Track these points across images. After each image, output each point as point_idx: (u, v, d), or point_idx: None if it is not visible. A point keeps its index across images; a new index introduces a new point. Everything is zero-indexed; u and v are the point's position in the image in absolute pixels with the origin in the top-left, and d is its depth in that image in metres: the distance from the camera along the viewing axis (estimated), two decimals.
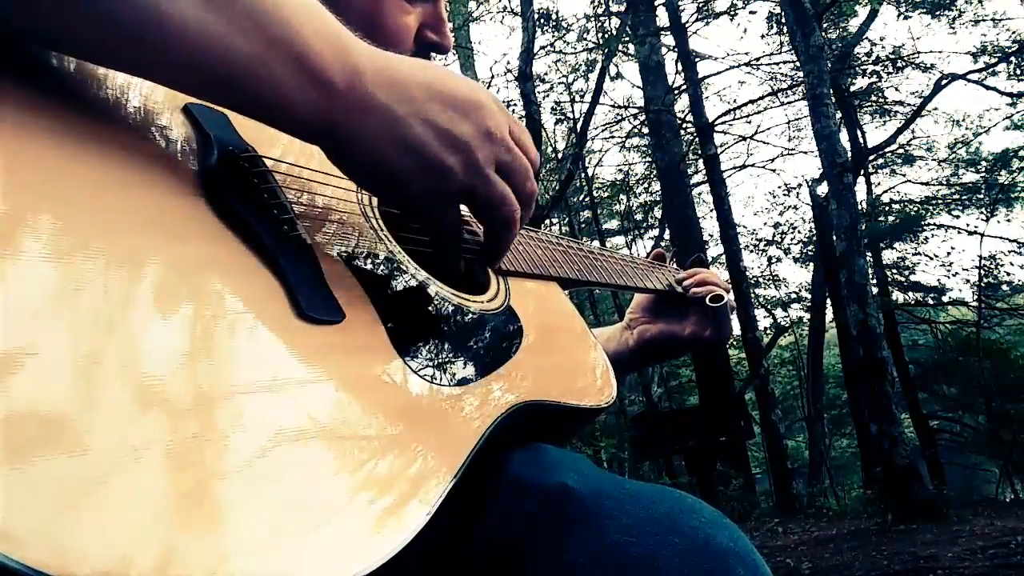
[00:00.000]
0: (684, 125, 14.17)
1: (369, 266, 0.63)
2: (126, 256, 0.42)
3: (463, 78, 0.61)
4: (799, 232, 17.23)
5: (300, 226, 0.57)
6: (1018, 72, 13.37)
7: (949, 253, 22.82)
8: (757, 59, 15.17)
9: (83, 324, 0.38)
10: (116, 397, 0.37)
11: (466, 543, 0.59)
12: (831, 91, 8.93)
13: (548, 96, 14.84)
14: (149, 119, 0.52)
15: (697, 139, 12.88)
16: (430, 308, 0.66)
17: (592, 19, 13.24)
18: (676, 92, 13.70)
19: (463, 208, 0.64)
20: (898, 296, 15.90)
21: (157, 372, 0.39)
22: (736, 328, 13.62)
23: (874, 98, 15.57)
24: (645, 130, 15.48)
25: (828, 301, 14.47)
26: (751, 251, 17.69)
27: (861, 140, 14.92)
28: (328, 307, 0.54)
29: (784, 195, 17.71)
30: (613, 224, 19.92)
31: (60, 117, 0.45)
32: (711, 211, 15.26)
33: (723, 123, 14.97)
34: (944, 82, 13.60)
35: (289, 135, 0.53)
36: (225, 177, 0.53)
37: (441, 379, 0.59)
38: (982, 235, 14.02)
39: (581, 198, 17.36)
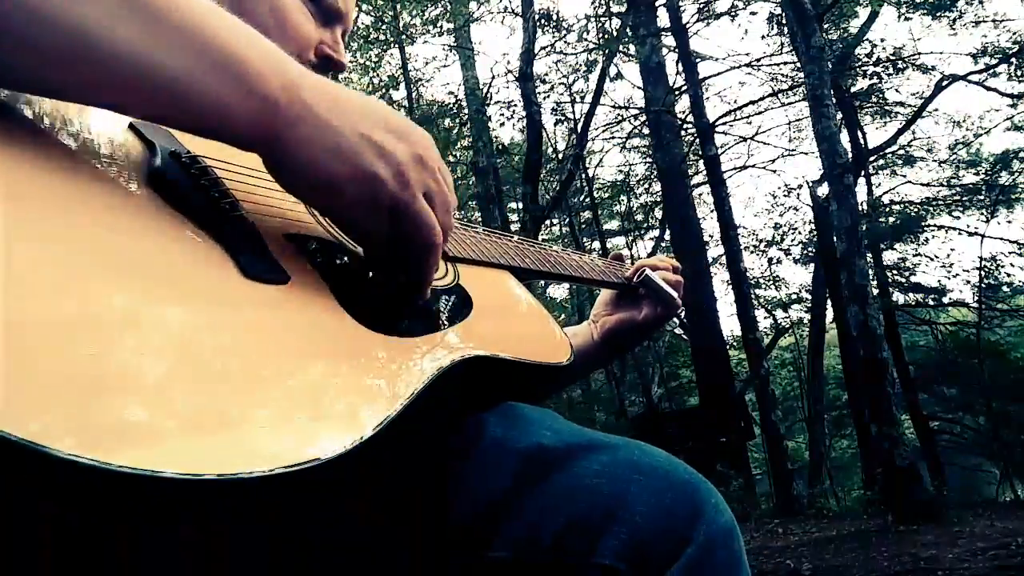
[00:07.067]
0: (685, 126, 14.17)
1: (315, 250, 0.65)
2: (73, 228, 0.44)
3: (402, 115, 0.64)
4: (799, 233, 17.21)
5: (243, 209, 0.60)
6: (1019, 73, 13.36)
7: (949, 254, 22.89)
8: (758, 60, 15.17)
9: (49, 287, 0.40)
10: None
11: (449, 505, 0.62)
12: (832, 92, 8.92)
13: (548, 97, 14.82)
14: (96, 134, 0.54)
15: (697, 140, 12.87)
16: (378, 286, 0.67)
17: (592, 19, 13.22)
18: (677, 93, 13.69)
19: None
20: (898, 297, 15.90)
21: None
22: (736, 329, 13.63)
23: (875, 99, 15.56)
24: (646, 131, 15.49)
25: (828, 302, 14.48)
26: (751, 252, 17.67)
27: (862, 141, 14.93)
28: (273, 270, 0.56)
29: (784, 196, 17.70)
30: (614, 225, 19.93)
31: (9, 135, 0.46)
32: (711, 212, 15.26)
33: (724, 124, 14.98)
34: (945, 83, 13.61)
35: (229, 145, 0.55)
36: (170, 174, 0.56)
37: (390, 332, 0.61)
38: (982, 236, 14.02)
39: (581, 199, 17.36)
